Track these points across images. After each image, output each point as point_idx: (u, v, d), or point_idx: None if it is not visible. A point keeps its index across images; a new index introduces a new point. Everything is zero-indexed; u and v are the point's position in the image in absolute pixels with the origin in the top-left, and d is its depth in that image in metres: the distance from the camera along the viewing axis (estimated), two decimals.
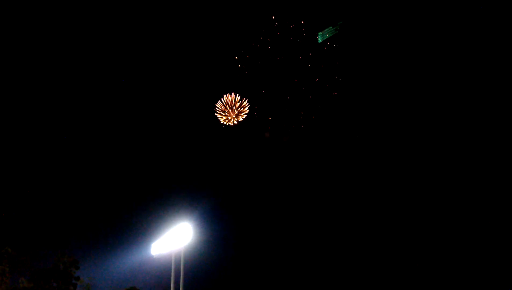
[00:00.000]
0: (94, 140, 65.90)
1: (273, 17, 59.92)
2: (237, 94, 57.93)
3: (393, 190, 57.89)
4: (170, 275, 39.93)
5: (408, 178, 56.76)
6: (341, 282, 57.05)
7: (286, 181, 64.15)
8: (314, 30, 60.64)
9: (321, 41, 60.37)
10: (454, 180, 53.04)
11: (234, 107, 57.85)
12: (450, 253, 50.60)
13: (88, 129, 66.02)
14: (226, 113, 58.20)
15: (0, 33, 58.85)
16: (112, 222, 62.32)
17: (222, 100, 58.10)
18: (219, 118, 58.36)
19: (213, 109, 62.03)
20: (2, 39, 59.16)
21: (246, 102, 58.03)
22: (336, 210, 60.67)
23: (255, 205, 64.16)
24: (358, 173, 60.75)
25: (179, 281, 39.10)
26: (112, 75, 67.70)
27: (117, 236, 60.14)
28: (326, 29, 60.23)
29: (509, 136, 50.54)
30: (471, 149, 52.81)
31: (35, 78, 63.03)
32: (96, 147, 65.73)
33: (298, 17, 60.58)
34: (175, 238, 39.50)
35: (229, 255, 62.52)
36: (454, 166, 53.62)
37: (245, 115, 57.82)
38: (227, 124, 58.23)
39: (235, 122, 57.75)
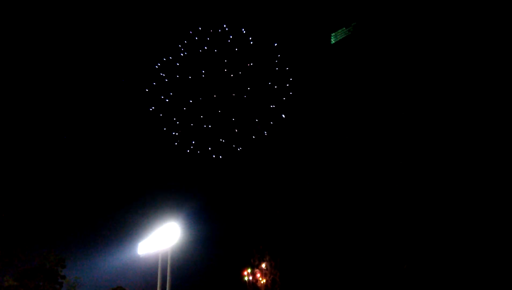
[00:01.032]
0: (81, 140, 65.74)
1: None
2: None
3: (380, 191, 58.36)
4: (157, 275, 40.15)
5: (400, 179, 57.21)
6: (329, 278, 57.53)
7: (273, 180, 64.55)
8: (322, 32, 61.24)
9: (334, 42, 60.51)
10: (449, 181, 53.43)
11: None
12: (447, 255, 51.08)
13: (75, 129, 65.83)
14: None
15: (0, 33, 58.56)
16: (99, 221, 62.18)
17: None
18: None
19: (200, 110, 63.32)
20: (2, 39, 58.86)
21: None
22: (324, 210, 61.04)
23: (242, 205, 64.49)
24: (351, 172, 60.85)
25: (166, 281, 39.31)
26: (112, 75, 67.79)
27: (104, 235, 60.05)
28: (339, 30, 60.32)
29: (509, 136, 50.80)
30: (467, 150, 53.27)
31: (35, 78, 62.77)
32: (84, 147, 65.55)
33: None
34: (162, 238, 39.69)
35: (216, 255, 62.81)
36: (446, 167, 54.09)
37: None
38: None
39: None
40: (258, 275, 59.41)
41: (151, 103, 65.00)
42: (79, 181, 62.93)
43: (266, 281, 59.20)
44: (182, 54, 65.31)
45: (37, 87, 63.12)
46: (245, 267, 60.27)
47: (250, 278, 60.16)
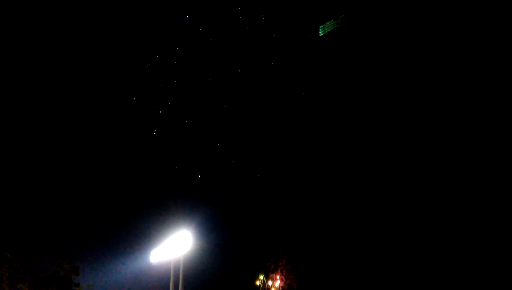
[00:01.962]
0: (94, 145, 65.33)
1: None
2: None
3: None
4: (169, 283, 40.18)
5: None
6: (340, 286, 57.09)
7: (286, 187, 64.20)
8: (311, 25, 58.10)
9: (322, 34, 58.39)
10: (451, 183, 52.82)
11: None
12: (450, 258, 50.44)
13: (87, 132, 65.14)
14: None
15: (0, 32, 58.60)
16: (111, 228, 62.39)
17: None
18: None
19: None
20: (2, 39, 58.97)
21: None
22: (335, 216, 60.65)
23: (255, 213, 64.28)
24: (360, 176, 60.32)
25: (178, 289, 39.27)
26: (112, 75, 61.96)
27: (116, 242, 60.20)
28: (328, 23, 58.74)
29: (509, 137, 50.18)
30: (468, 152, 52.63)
31: (35, 78, 62.59)
32: (96, 152, 65.63)
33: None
34: (175, 246, 39.72)
35: (228, 263, 62.59)
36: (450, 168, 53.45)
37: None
38: None
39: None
40: (271, 282, 59.03)
41: (141, 112, 53.25)
42: (93, 188, 63.28)
43: (282, 286, 58.77)
44: (178, 48, 51.46)
45: (36, 87, 62.49)
46: (259, 273, 59.88)
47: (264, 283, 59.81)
